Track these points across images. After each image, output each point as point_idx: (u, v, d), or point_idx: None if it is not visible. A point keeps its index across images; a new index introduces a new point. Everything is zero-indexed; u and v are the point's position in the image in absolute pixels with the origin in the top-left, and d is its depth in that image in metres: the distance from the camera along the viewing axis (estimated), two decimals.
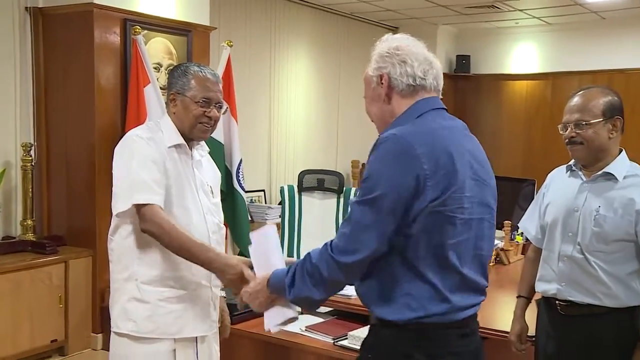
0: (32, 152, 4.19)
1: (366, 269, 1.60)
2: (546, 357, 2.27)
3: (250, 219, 5.50)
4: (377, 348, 1.65)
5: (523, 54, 7.96)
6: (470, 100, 8.21)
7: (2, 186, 4.03)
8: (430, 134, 1.58)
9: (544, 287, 2.26)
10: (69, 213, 4.32)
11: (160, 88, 4.16)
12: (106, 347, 2.21)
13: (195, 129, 2.11)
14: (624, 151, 2.19)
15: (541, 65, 7.82)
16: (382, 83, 1.66)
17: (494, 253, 3.79)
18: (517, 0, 6.43)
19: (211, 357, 2.23)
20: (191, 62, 2.31)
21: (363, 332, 1.99)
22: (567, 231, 2.18)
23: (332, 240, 1.60)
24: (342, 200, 3.71)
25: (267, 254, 1.80)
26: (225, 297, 2.42)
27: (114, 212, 2.04)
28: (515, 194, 4.60)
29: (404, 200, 1.52)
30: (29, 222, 4.18)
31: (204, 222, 2.13)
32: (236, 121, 4.62)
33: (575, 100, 2.17)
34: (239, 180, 4.62)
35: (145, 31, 4.26)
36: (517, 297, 2.45)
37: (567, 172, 2.28)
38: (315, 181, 3.88)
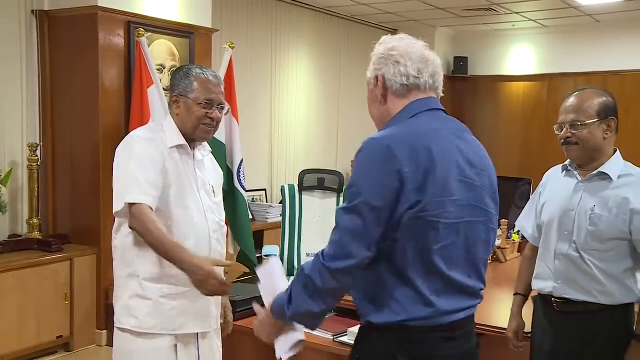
0: (38, 152, 4.22)
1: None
2: (542, 354, 2.28)
3: (251, 217, 5.55)
4: (364, 349, 1.66)
5: (520, 55, 8.00)
6: (467, 101, 8.24)
7: (9, 185, 4.06)
8: (414, 136, 1.55)
9: (540, 285, 2.28)
10: (74, 212, 4.36)
11: (163, 89, 4.18)
12: (111, 343, 2.24)
13: (198, 130, 2.13)
14: (618, 151, 2.21)
15: (537, 67, 7.86)
16: (378, 84, 1.66)
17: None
18: (514, 3, 6.46)
19: (213, 352, 2.25)
20: (193, 65, 2.33)
21: None
22: (563, 230, 2.20)
23: (323, 250, 1.58)
24: (342, 199, 3.74)
25: (274, 286, 1.76)
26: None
27: (113, 212, 2.06)
28: (511, 193, 4.63)
29: (388, 204, 1.50)
30: (35, 220, 4.20)
31: (204, 221, 2.16)
32: (237, 122, 4.61)
33: (571, 101, 2.18)
34: (240, 180, 4.64)
35: (149, 33, 4.30)
36: (514, 294, 2.46)
37: (562, 171, 2.30)
38: (316, 180, 3.91)
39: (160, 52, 4.50)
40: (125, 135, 2.22)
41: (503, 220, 3.99)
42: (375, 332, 1.61)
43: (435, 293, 1.56)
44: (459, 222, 1.58)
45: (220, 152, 4.38)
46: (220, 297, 2.27)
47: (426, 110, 1.64)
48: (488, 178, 1.67)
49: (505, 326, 2.46)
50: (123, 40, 4.29)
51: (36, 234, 4.20)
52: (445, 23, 7.65)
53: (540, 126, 7.63)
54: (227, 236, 4.27)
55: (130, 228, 2.02)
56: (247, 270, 4.71)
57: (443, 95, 1.73)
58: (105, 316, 4.24)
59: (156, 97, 4.13)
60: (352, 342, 2.61)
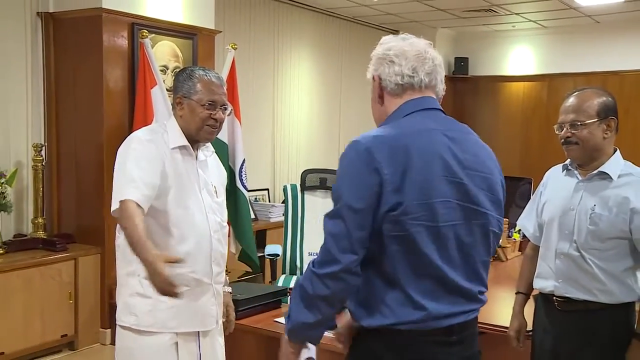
0: (42, 153, 4.23)
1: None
2: (543, 352, 2.28)
3: (254, 217, 5.58)
4: (356, 350, 1.65)
5: (520, 56, 8.02)
6: (468, 101, 8.27)
7: (14, 185, 4.08)
8: (397, 137, 1.53)
9: (541, 284, 2.28)
10: (78, 212, 4.38)
11: (167, 90, 4.21)
12: (114, 341, 2.27)
13: (202, 131, 2.14)
14: (618, 151, 2.21)
15: (537, 67, 7.89)
16: (375, 84, 1.66)
17: None
18: (514, 4, 6.47)
19: (215, 350, 2.26)
20: (196, 66, 2.33)
21: None
22: (564, 229, 2.20)
23: (314, 258, 1.57)
24: None
25: None
26: (231, 293, 2.46)
27: (111, 211, 2.04)
28: (512, 193, 4.64)
29: (369, 206, 1.49)
30: (40, 220, 4.23)
31: (206, 221, 2.16)
32: (240, 122, 4.63)
33: (571, 101, 2.19)
34: (241, 180, 4.67)
35: (152, 35, 4.32)
36: (515, 293, 2.46)
37: (563, 171, 2.30)
38: (318, 180, 3.94)
39: (163, 53, 4.53)
40: (128, 136, 2.24)
41: (504, 219, 3.99)
42: (367, 335, 1.59)
43: (426, 296, 1.53)
44: (450, 224, 1.54)
45: (223, 152, 4.40)
46: (221, 296, 2.29)
47: (420, 110, 1.61)
48: (484, 179, 1.61)
49: (507, 325, 2.46)
50: (127, 42, 4.32)
51: (41, 234, 4.22)
52: (445, 24, 7.67)
53: (540, 126, 7.66)
54: (229, 236, 4.31)
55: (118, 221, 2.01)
56: (249, 270, 4.76)
57: (444, 93, 1.70)
58: (110, 315, 4.25)
59: (159, 98, 4.16)
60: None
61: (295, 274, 3.90)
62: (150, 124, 3.76)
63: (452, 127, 1.63)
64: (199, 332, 2.18)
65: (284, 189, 4.02)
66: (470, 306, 1.61)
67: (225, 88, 2.22)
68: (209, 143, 2.28)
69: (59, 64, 4.40)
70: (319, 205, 3.90)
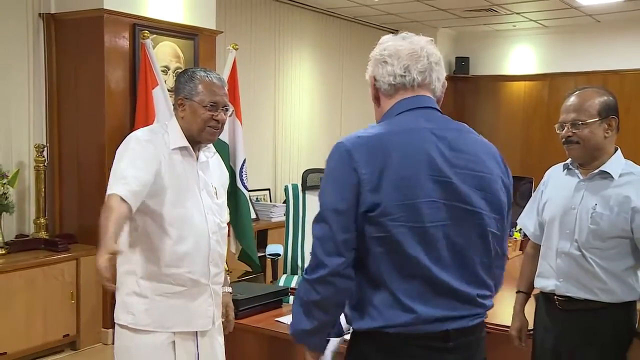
0: (44, 153, 4.25)
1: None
2: (544, 351, 2.29)
3: (255, 216, 5.59)
4: (349, 353, 1.64)
5: (520, 55, 8.03)
6: (469, 100, 8.27)
7: (16, 186, 4.09)
8: (379, 137, 1.51)
9: (542, 283, 2.28)
10: (80, 212, 4.39)
11: (168, 90, 4.22)
12: None
13: (204, 132, 2.15)
14: (619, 150, 2.21)
15: (538, 66, 7.89)
16: (371, 86, 1.65)
17: None
18: (515, 4, 6.48)
19: (214, 349, 2.26)
20: (197, 67, 2.34)
21: None
22: (565, 228, 2.20)
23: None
24: None
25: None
26: (231, 293, 2.46)
27: None
28: (513, 192, 4.65)
29: (351, 208, 1.47)
30: (42, 220, 4.24)
31: (204, 222, 2.16)
32: (240, 122, 4.64)
33: (572, 100, 2.18)
34: (242, 180, 4.68)
35: (154, 35, 4.33)
36: (516, 292, 2.46)
37: (564, 170, 2.30)
38: (319, 180, 3.94)
39: (165, 53, 4.54)
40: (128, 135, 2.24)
41: None
42: (359, 339, 1.58)
43: (415, 298, 1.48)
44: (439, 224, 1.49)
45: (224, 152, 4.42)
46: (220, 296, 2.29)
47: (412, 109, 1.57)
48: (477, 178, 1.55)
49: (507, 323, 2.46)
50: (128, 42, 4.34)
51: (43, 234, 4.24)
52: (446, 24, 7.68)
53: (541, 125, 7.66)
54: (229, 236, 4.32)
55: None
56: (249, 269, 4.77)
57: (443, 91, 1.66)
58: (111, 315, 4.19)
59: (161, 99, 4.17)
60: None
61: (297, 274, 3.91)
62: (151, 124, 3.76)
63: (445, 126, 1.58)
64: (196, 332, 2.19)
65: (285, 189, 4.03)
66: (470, 311, 1.55)
67: (226, 89, 2.22)
68: (211, 144, 2.28)
69: (61, 64, 4.41)
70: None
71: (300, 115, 6.70)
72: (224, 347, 2.33)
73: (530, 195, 2.60)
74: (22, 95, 4.30)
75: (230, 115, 2.25)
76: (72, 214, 4.45)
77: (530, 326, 2.42)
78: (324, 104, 7.03)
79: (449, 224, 1.51)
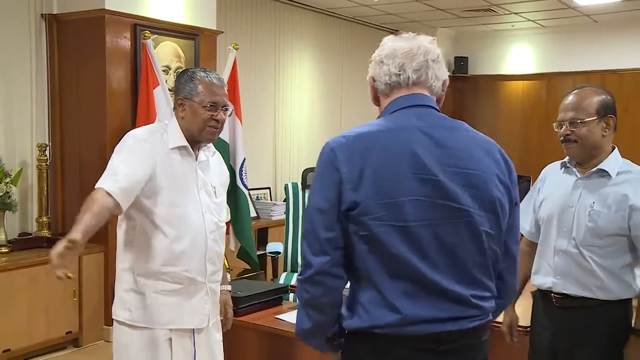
0: (47, 152, 4.27)
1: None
2: (541, 348, 2.29)
3: (256, 215, 5.61)
4: (344, 352, 1.62)
5: (519, 55, 8.05)
6: (468, 100, 8.29)
7: (19, 185, 4.11)
8: (363, 136, 1.51)
9: (539, 281, 2.28)
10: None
11: (169, 90, 4.23)
12: None
13: (204, 132, 2.16)
14: (616, 148, 2.22)
15: (536, 66, 7.91)
16: (370, 86, 1.65)
17: None
18: (513, 4, 6.50)
19: (211, 347, 2.27)
20: (197, 68, 2.36)
21: None
22: (562, 226, 2.21)
23: None
24: None
25: None
26: (230, 291, 2.47)
27: None
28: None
29: (334, 206, 1.47)
30: (44, 219, 4.26)
31: (202, 221, 2.17)
32: (240, 122, 4.66)
33: (570, 99, 2.19)
34: (242, 179, 4.71)
35: (155, 35, 4.35)
36: None
37: (561, 168, 2.30)
38: None
39: (166, 53, 4.56)
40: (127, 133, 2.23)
41: None
42: (350, 338, 1.57)
43: (402, 298, 1.46)
44: (425, 223, 1.46)
45: (224, 151, 4.44)
46: (217, 294, 2.30)
47: (405, 107, 1.56)
48: (466, 175, 1.51)
49: (502, 320, 2.46)
50: (129, 43, 4.36)
51: (45, 232, 4.25)
52: (445, 24, 7.69)
53: (539, 124, 7.68)
54: (228, 234, 4.35)
55: None
56: (248, 267, 4.80)
57: (443, 89, 1.63)
58: None
59: (162, 98, 4.19)
60: None
61: (297, 272, 3.94)
62: (152, 123, 3.79)
63: (437, 124, 1.55)
64: (193, 329, 2.20)
65: (285, 188, 4.07)
66: (464, 312, 1.50)
67: (226, 89, 2.23)
68: (211, 144, 2.30)
69: (63, 65, 4.43)
70: None
71: (300, 115, 6.71)
72: (222, 344, 2.34)
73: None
74: (24, 95, 4.32)
75: (229, 115, 2.26)
76: (74, 212, 4.27)
77: (525, 322, 2.43)
78: (324, 103, 7.04)
79: (437, 223, 1.48)
